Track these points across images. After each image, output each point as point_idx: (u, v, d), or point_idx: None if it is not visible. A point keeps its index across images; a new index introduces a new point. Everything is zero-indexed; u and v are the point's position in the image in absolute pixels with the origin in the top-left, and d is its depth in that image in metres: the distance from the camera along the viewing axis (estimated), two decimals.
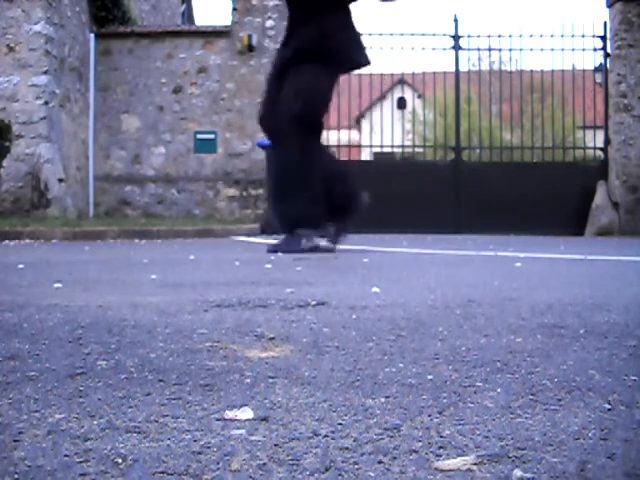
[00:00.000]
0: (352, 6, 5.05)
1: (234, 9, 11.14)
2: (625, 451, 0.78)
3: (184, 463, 0.74)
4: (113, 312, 1.85)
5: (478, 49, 11.09)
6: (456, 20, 10.65)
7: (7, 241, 6.91)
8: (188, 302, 2.07)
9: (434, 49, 10.66)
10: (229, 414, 0.92)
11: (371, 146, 11.36)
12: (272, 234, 7.41)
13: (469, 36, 10.65)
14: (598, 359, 1.28)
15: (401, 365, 1.23)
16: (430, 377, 1.15)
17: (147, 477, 0.70)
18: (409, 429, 0.87)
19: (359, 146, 13.22)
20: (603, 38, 10.61)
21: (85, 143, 10.81)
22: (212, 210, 11.02)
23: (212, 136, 11.03)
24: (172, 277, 2.99)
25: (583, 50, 10.67)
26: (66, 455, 0.77)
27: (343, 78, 10.62)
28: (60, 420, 0.90)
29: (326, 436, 0.84)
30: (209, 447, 0.80)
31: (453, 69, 10.66)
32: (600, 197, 10.09)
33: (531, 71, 10.76)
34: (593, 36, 10.66)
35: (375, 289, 2.40)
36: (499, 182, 10.24)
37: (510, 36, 10.75)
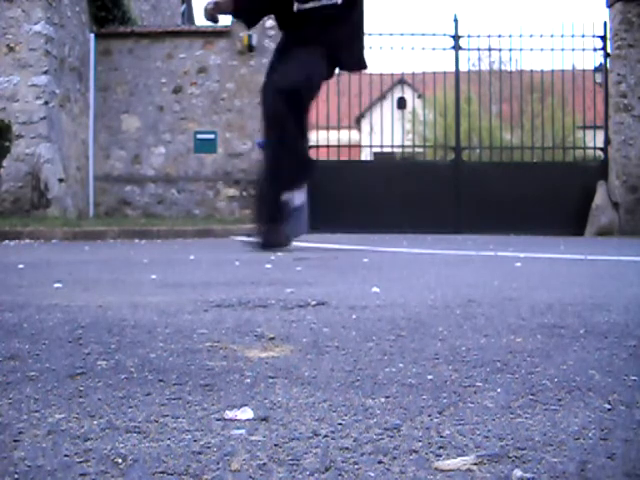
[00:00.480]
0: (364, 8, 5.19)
1: None
2: (625, 451, 0.78)
3: (184, 463, 0.74)
4: (113, 312, 1.85)
5: (478, 49, 11.07)
6: (456, 20, 10.64)
7: (7, 241, 6.91)
8: (188, 302, 2.07)
9: (434, 49, 10.65)
10: (229, 414, 0.92)
11: (371, 146, 11.34)
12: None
13: (469, 36, 10.64)
14: (598, 359, 1.28)
15: (401, 365, 1.23)
16: (430, 377, 1.15)
17: (147, 477, 0.70)
18: (409, 429, 0.87)
19: (359, 146, 13.21)
20: (603, 38, 10.60)
21: (85, 143, 10.81)
22: (212, 210, 11.01)
23: (212, 136, 11.02)
24: (172, 277, 2.99)
25: (583, 50, 10.66)
26: (66, 455, 0.77)
27: (343, 78, 10.54)
28: (60, 420, 0.90)
29: (326, 436, 0.84)
30: (209, 447, 0.80)
31: (453, 69, 10.65)
32: (600, 197, 10.08)
33: (531, 71, 10.75)
34: (593, 36, 10.66)
35: (375, 289, 2.40)
36: (499, 182, 10.23)
37: (510, 36, 10.74)
